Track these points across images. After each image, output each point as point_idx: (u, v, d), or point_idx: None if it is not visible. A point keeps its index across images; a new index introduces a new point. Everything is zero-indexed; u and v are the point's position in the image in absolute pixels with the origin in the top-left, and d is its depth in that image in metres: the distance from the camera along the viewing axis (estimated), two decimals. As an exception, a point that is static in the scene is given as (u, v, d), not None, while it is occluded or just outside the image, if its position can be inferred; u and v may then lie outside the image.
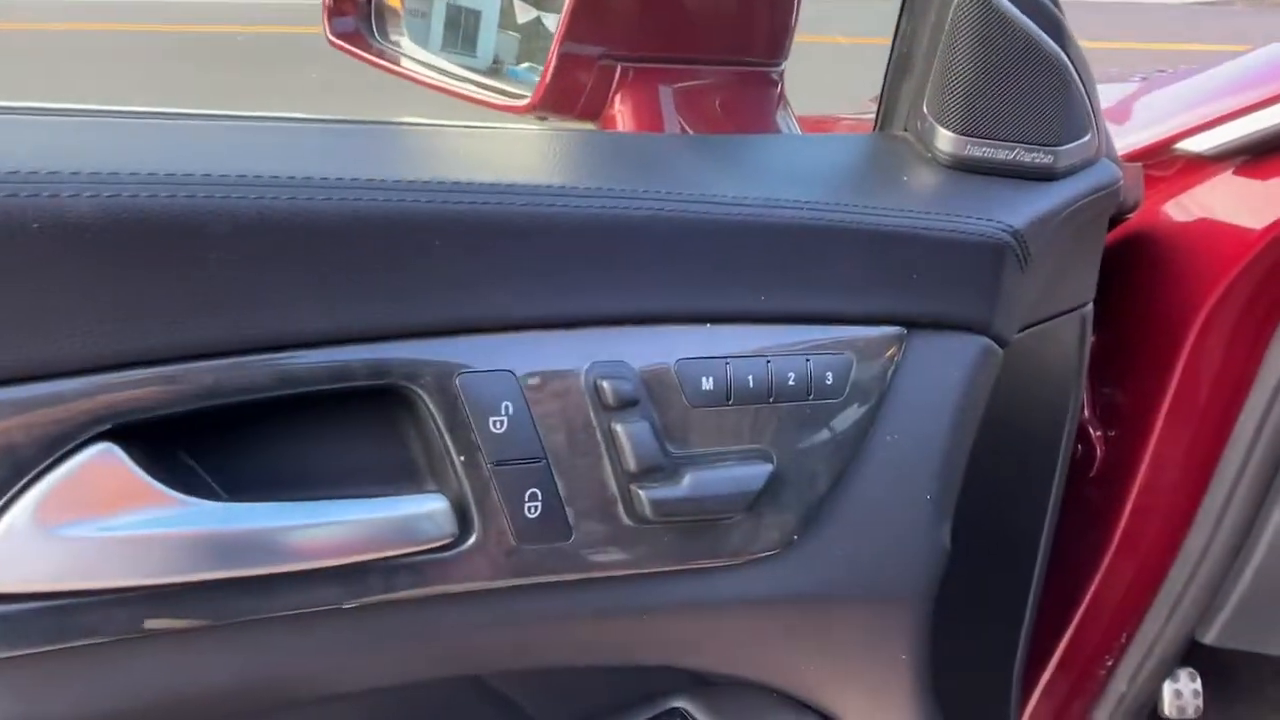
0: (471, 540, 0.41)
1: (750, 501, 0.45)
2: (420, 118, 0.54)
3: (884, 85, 0.57)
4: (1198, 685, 0.91)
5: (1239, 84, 0.66)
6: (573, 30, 0.60)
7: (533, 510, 0.42)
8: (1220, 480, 0.70)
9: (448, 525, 0.41)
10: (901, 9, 0.54)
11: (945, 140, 0.51)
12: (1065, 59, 0.50)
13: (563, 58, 0.61)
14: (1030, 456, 0.64)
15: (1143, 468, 0.71)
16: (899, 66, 0.55)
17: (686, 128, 0.62)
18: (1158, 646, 0.78)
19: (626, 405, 0.42)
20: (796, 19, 0.64)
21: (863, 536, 0.49)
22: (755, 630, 0.50)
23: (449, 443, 0.41)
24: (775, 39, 0.63)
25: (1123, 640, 0.79)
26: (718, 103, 0.63)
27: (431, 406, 0.40)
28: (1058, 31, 0.50)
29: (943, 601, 0.55)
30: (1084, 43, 0.53)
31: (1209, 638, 0.78)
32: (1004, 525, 0.66)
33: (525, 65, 0.71)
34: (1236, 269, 0.64)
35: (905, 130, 0.55)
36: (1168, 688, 0.90)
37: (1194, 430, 0.69)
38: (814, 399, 0.47)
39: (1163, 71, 0.89)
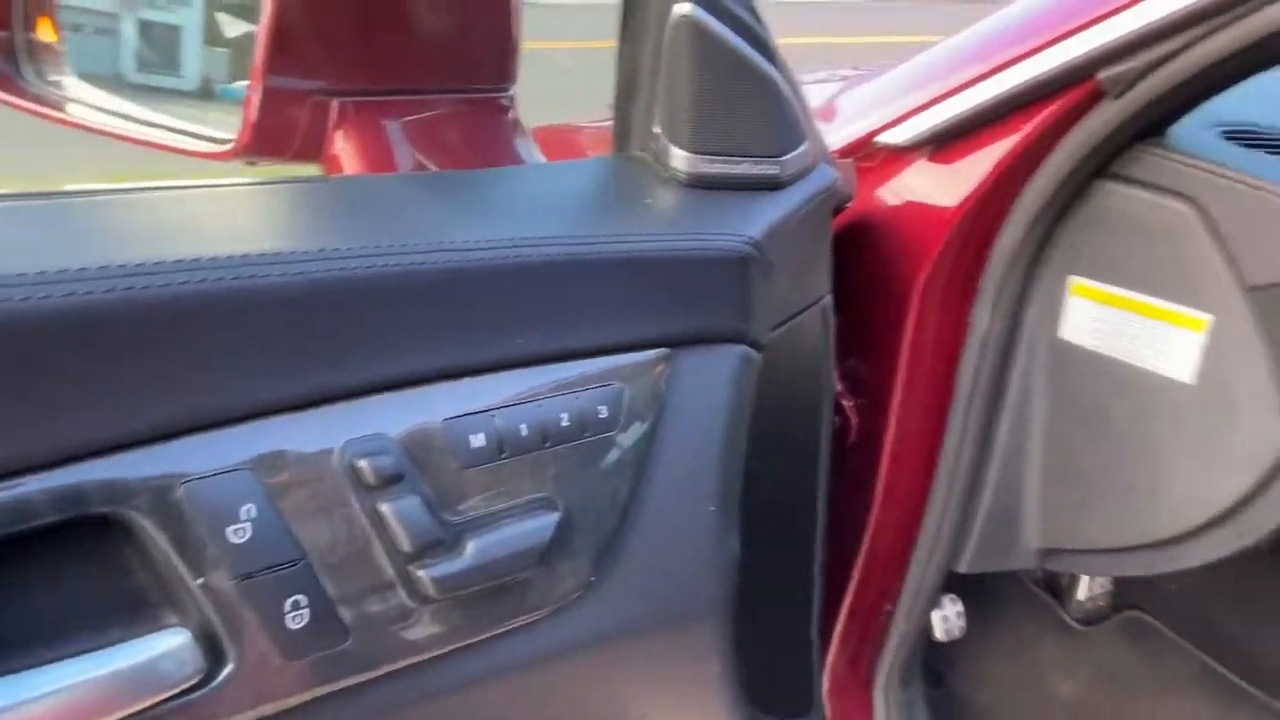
0: (227, 671, 0.36)
1: (540, 555, 0.44)
2: (93, 183, 0.46)
3: (615, 107, 0.57)
4: (960, 608, 1.03)
5: (923, 78, 0.73)
6: (273, 63, 0.55)
7: (297, 620, 0.37)
8: (952, 429, 0.78)
9: (194, 661, 0.35)
10: (620, 34, 0.54)
11: (680, 159, 0.52)
12: (776, 76, 0.52)
13: (267, 94, 0.55)
14: (797, 440, 0.68)
15: (890, 428, 0.78)
16: (626, 89, 0.55)
17: (422, 162, 0.59)
18: (924, 583, 0.86)
19: (391, 482, 0.39)
20: (519, 40, 0.63)
21: (658, 563, 0.49)
22: (569, 681, 0.49)
23: (181, 566, 0.35)
24: (500, 63, 0.62)
25: (897, 584, 0.87)
26: (449, 134, 0.60)
27: (151, 529, 0.34)
28: (767, 51, 0.52)
29: (739, 596, 0.57)
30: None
31: (962, 566, 0.87)
32: (783, 508, 0.70)
33: (241, 84, 0.64)
34: (940, 245, 0.71)
35: (642, 151, 0.55)
36: (936, 616, 1.00)
37: (925, 388, 0.77)
38: (590, 435, 0.46)
39: (859, 69, 0.98)
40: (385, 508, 0.39)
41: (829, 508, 0.73)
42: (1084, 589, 1.37)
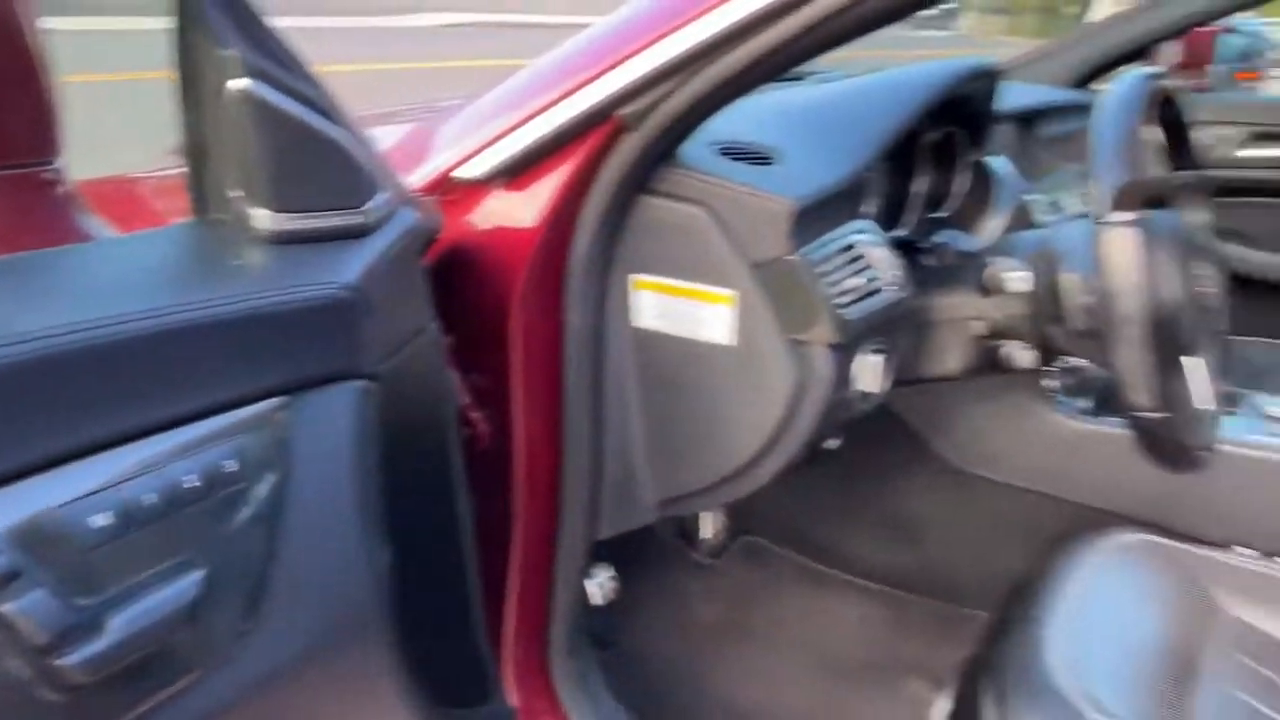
0: None
1: (188, 615, 0.45)
2: None
3: (187, 173, 0.58)
4: (611, 573, 1.17)
5: (489, 114, 0.83)
6: None
7: None
8: (568, 418, 0.90)
9: None
10: (182, 103, 0.56)
11: (264, 219, 0.56)
12: (341, 135, 0.58)
13: None
14: (429, 453, 0.75)
15: (516, 428, 0.88)
16: (195, 155, 0.57)
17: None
18: (573, 557, 0.98)
19: (8, 580, 0.39)
20: (57, 107, 0.60)
21: (309, 597, 0.53)
22: None
23: None
24: (38, 134, 0.59)
25: (551, 565, 0.97)
26: (-4, 216, 0.57)
27: None
28: (328, 112, 0.57)
29: (399, 607, 0.62)
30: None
31: (602, 534, 1.00)
32: (427, 517, 0.76)
33: None
34: (526, 261, 0.82)
35: (223, 214, 0.58)
36: (591, 585, 1.13)
37: (539, 386, 0.88)
38: (222, 491, 0.48)
39: (440, 104, 1.06)
40: (7, 608, 0.38)
41: (480, 508, 0.81)
42: (708, 529, 1.62)
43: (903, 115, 1.00)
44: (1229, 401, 1.27)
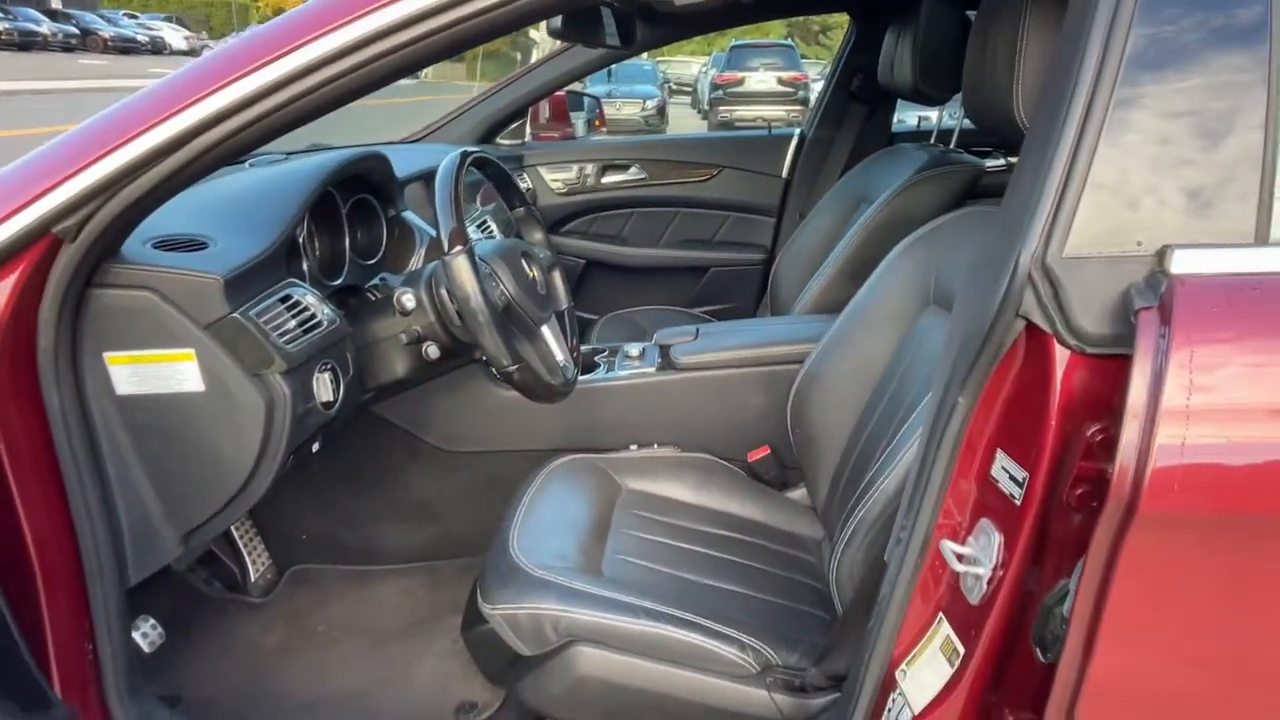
0: None
1: None
2: None
3: None
4: (153, 622, 1.31)
5: None
6: None
7: None
8: (69, 489, 1.04)
9: None
10: None
11: None
12: None
13: None
14: None
15: (17, 504, 1.01)
16: None
17: None
18: (110, 610, 1.11)
19: None
20: None
21: None
22: None
23: None
24: None
25: (87, 621, 1.09)
26: None
27: None
28: None
29: None
30: None
31: (132, 581, 1.15)
32: None
33: None
34: None
35: None
36: (137, 635, 1.27)
37: (32, 464, 1.01)
38: None
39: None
40: None
41: (10, 579, 0.93)
42: (253, 571, 1.79)
43: (306, 193, 1.33)
44: (597, 353, 1.85)
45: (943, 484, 0.81)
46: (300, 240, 1.34)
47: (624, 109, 14.33)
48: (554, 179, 2.66)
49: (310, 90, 0.91)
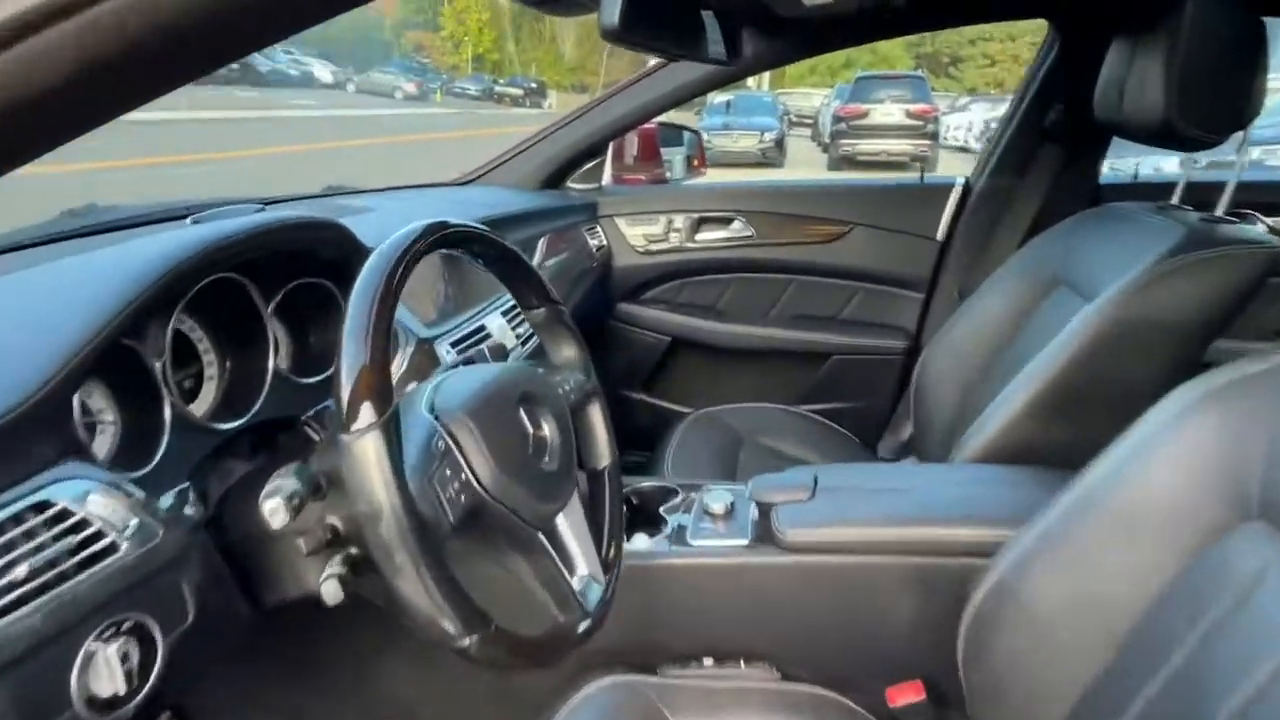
0: None
1: None
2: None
3: None
4: None
5: None
6: None
7: None
8: None
9: None
10: None
11: None
12: None
13: None
14: None
15: None
16: None
17: None
18: None
19: None
20: None
21: None
22: None
23: None
24: None
25: None
26: None
27: None
28: None
29: None
30: None
31: None
32: None
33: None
34: None
35: None
36: None
37: None
38: None
39: None
40: None
41: None
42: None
43: (119, 306, 0.75)
44: (665, 497, 1.26)
45: None
46: (158, 369, 0.81)
47: (741, 141, 13.94)
48: (635, 233, 2.09)
49: None
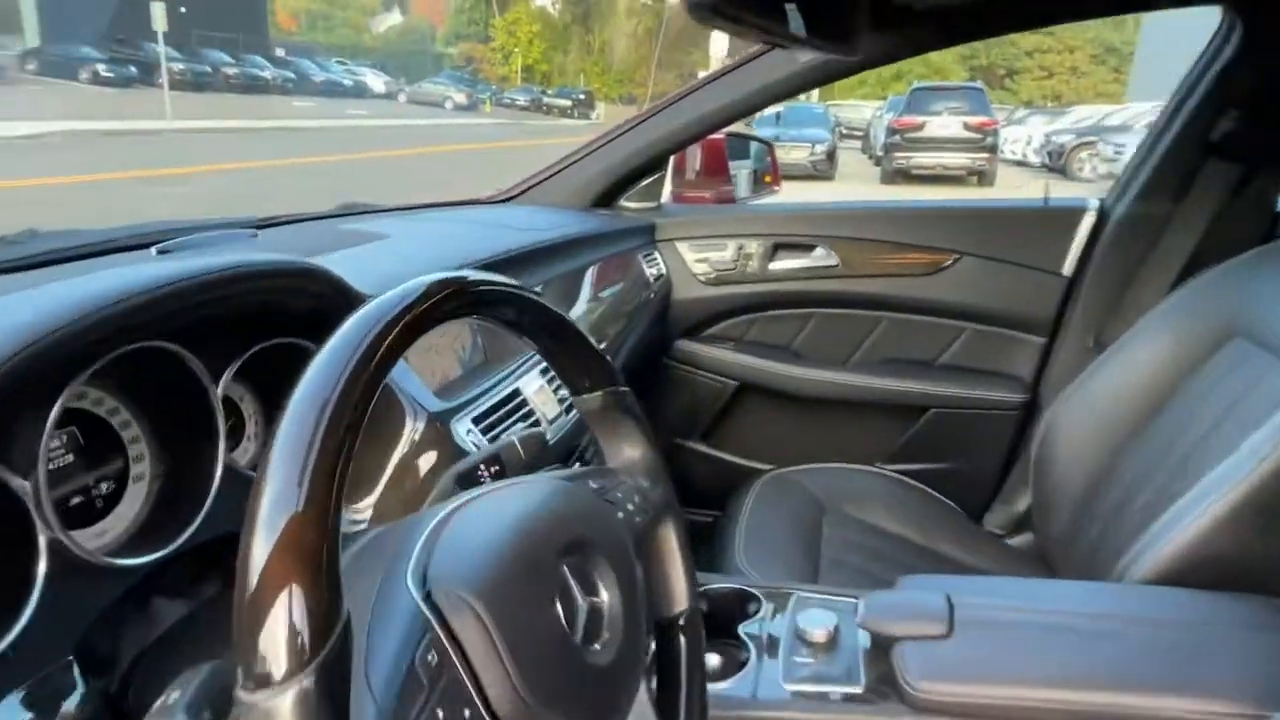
0: None
1: None
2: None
3: None
4: None
5: None
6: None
7: None
8: None
9: None
10: None
11: None
12: None
13: None
14: None
15: None
16: None
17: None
18: None
19: None
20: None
21: None
22: None
23: None
24: None
25: None
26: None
27: None
28: None
29: None
30: None
31: None
32: None
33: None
34: None
35: None
36: None
37: None
38: None
39: None
40: None
41: None
42: None
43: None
44: (745, 606, 0.97)
45: None
46: (27, 493, 0.54)
47: (791, 153, 13.63)
48: (699, 259, 1.80)
49: None
